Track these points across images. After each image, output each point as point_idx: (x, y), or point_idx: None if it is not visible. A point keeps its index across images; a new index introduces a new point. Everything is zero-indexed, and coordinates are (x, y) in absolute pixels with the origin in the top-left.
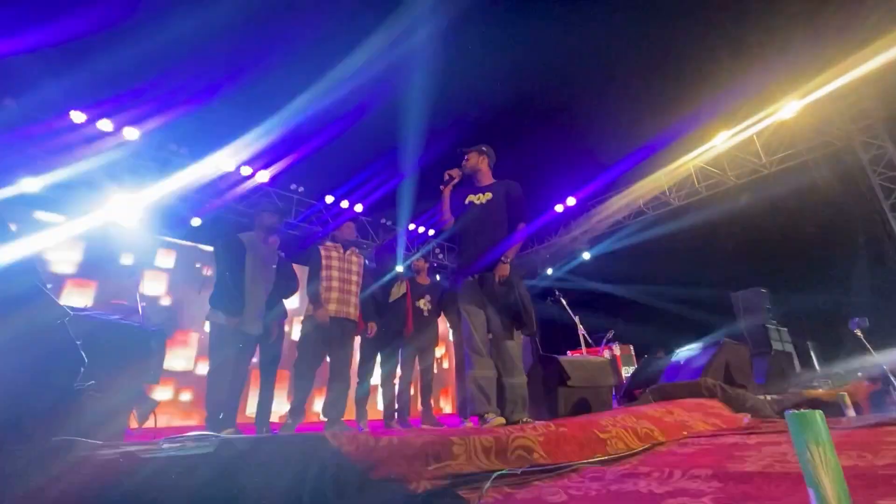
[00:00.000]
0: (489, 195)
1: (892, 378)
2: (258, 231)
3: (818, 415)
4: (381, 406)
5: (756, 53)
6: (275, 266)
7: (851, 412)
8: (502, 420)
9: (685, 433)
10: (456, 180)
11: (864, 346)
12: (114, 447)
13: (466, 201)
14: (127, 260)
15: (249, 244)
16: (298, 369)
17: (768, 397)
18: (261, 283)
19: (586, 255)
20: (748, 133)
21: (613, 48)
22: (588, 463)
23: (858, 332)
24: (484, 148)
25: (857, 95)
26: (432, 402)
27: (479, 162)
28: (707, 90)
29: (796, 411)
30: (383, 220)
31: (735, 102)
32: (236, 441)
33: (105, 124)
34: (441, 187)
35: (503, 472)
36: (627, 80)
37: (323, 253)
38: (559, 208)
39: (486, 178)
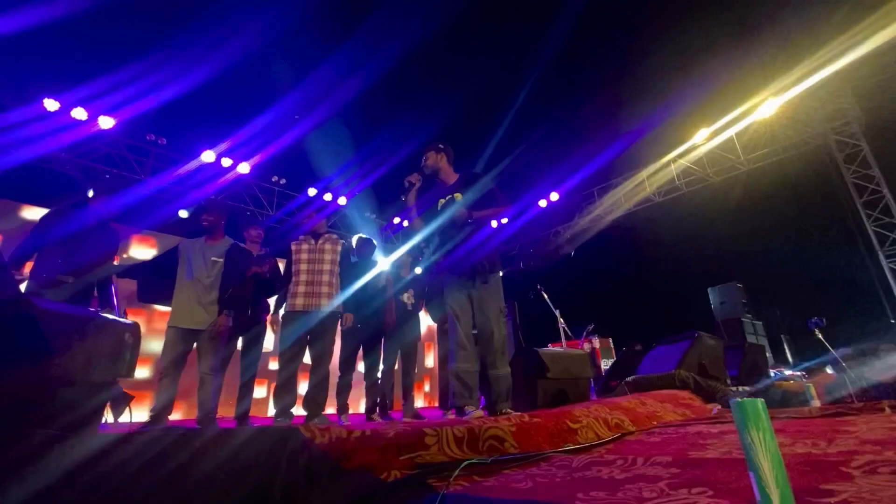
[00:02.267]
0: (459, 196)
1: (846, 369)
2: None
3: (759, 403)
4: (362, 399)
5: (731, 50)
6: (218, 260)
7: (817, 402)
8: (481, 413)
9: (654, 423)
10: (417, 185)
11: (823, 345)
12: (82, 439)
13: (439, 206)
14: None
15: (183, 246)
16: (279, 368)
17: (740, 388)
18: (198, 280)
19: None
20: (728, 132)
21: (596, 47)
22: (557, 452)
23: (817, 332)
24: (441, 145)
25: (832, 95)
26: (415, 372)
27: (439, 161)
28: (685, 88)
29: (739, 399)
30: (367, 214)
31: (714, 101)
32: (206, 431)
33: (79, 112)
34: (403, 198)
35: (473, 460)
36: (610, 78)
37: (293, 248)
38: (542, 203)
39: (450, 175)
